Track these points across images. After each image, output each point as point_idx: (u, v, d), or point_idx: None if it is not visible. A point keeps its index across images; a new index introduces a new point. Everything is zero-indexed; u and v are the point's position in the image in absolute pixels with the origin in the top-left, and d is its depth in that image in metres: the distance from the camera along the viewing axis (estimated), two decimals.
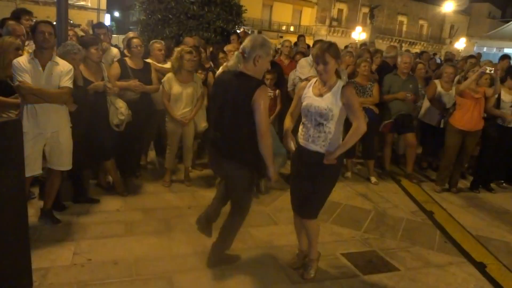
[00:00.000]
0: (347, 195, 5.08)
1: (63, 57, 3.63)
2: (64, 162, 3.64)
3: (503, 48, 18.02)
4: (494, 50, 18.08)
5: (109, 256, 3.27)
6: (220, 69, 4.21)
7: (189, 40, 6.43)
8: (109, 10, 32.66)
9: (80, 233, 3.61)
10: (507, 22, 21.31)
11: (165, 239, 3.63)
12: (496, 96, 5.43)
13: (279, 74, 5.71)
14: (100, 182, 4.67)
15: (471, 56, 8.06)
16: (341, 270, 3.35)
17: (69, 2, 4.94)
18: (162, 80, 4.77)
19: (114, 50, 5.55)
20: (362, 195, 5.16)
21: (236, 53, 2.89)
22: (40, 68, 3.38)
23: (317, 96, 2.88)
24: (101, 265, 3.14)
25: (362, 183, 5.62)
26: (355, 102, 2.83)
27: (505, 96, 5.48)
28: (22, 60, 3.34)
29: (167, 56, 5.39)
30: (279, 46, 8.02)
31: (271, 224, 4.13)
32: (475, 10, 45.39)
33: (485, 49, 18.23)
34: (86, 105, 3.91)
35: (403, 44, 38.48)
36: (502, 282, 3.41)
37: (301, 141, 3.00)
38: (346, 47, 9.46)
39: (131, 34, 5.78)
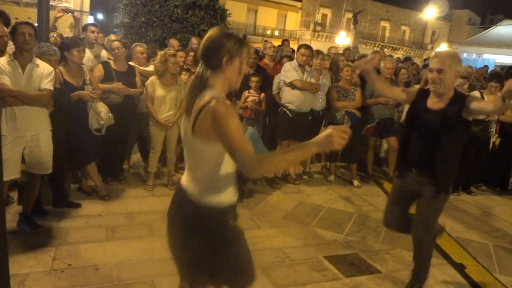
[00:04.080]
0: (330, 199, 5.12)
1: (38, 58, 3.57)
2: (44, 166, 3.58)
3: (483, 53, 18.45)
4: (474, 55, 18.48)
5: (90, 261, 3.22)
6: None
7: (174, 42, 6.41)
8: (92, 12, 32.31)
9: (60, 238, 3.55)
10: (486, 28, 21.83)
11: (148, 244, 3.59)
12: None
13: (264, 78, 5.74)
14: (81, 186, 4.60)
15: None
16: (324, 273, 3.37)
17: (51, 3, 4.87)
18: (146, 83, 4.74)
19: (103, 52, 5.51)
20: (345, 198, 5.20)
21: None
22: (20, 70, 3.32)
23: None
24: (81, 271, 3.09)
25: (345, 186, 5.67)
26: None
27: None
28: (1, 62, 3.29)
29: (150, 59, 5.37)
30: (262, 49, 8.05)
31: (254, 227, 4.13)
32: (456, 16, 46.34)
33: (465, 54, 18.62)
34: (65, 108, 3.85)
35: (386, 49, 39.03)
36: (480, 283, 3.47)
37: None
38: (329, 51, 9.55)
39: (112, 37, 5.74)
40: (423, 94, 2.95)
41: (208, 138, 1.70)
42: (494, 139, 5.44)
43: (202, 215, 1.83)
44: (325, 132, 1.63)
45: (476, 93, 5.66)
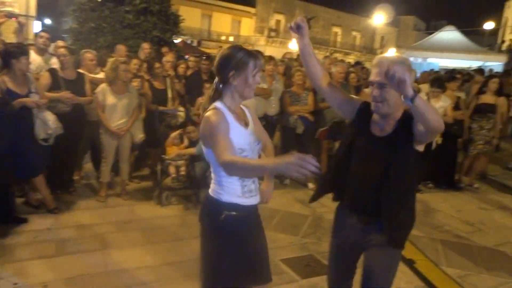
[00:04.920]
0: (285, 202, 5.19)
1: None
2: None
3: (428, 58, 19.36)
4: (420, 60, 19.34)
5: (38, 279, 3.08)
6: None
7: (121, 48, 6.28)
8: (39, 17, 30.97)
9: (6, 256, 3.37)
10: (431, 34, 22.94)
11: (100, 257, 3.49)
12: None
13: None
14: (28, 200, 4.39)
15: None
16: (280, 276, 3.41)
17: None
18: (96, 91, 4.61)
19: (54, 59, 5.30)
20: (300, 201, 5.29)
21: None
22: None
23: None
24: None
25: (300, 189, 5.77)
26: None
27: (434, 103, 5.87)
28: None
29: (100, 66, 5.24)
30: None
31: None
32: (402, 22, 48.45)
33: (411, 58, 19.43)
34: (8, 118, 3.67)
35: (338, 54, 40.13)
36: (429, 276, 3.64)
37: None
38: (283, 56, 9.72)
39: (60, 43, 5.54)
40: (366, 112, 2.16)
41: (205, 142, 1.98)
42: (437, 138, 5.72)
43: (205, 204, 2.15)
44: (287, 158, 1.60)
45: (422, 96, 5.94)
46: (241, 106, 2.14)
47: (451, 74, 8.27)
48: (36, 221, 4.06)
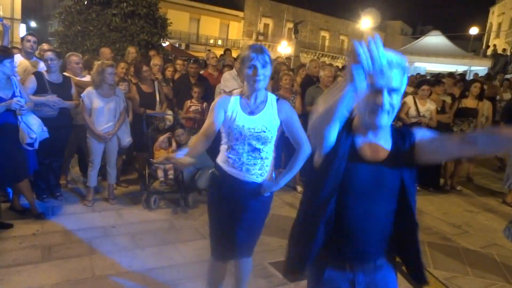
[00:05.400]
0: (274, 205, 5.16)
1: None
2: None
3: (414, 62, 19.63)
4: (406, 64, 19.61)
5: (24, 285, 3.03)
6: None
7: (105, 51, 6.23)
8: (24, 20, 30.59)
9: None
10: (417, 38, 23.28)
11: (87, 262, 3.44)
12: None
13: (206, 87, 5.74)
14: (13, 205, 4.32)
15: None
16: (269, 280, 3.41)
17: None
18: (82, 95, 4.56)
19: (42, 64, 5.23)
20: (289, 204, 5.30)
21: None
22: None
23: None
24: None
25: (289, 192, 5.77)
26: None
27: (420, 106, 5.94)
28: None
29: (86, 69, 5.19)
30: (206, 59, 8.06)
31: (199, 238, 4.09)
32: (389, 27, 49.11)
33: None
34: None
35: (326, 58, 40.41)
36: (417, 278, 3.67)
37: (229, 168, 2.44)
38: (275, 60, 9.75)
39: (45, 46, 5.47)
40: (347, 130, 1.61)
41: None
42: None
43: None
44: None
45: (409, 99, 6.02)
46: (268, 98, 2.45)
47: (437, 78, 8.40)
48: (21, 226, 3.99)
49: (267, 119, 2.39)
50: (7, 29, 5.79)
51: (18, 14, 27.70)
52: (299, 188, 5.82)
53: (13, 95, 3.88)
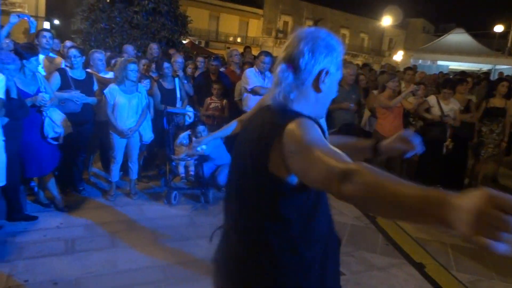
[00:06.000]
0: None
1: None
2: None
3: (437, 60, 19.26)
4: (429, 62, 19.25)
5: (48, 276, 3.09)
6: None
7: (129, 48, 6.30)
8: (48, 17, 31.19)
9: (16, 253, 3.39)
10: (440, 36, 22.83)
11: (109, 255, 3.49)
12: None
13: (227, 85, 5.75)
14: (38, 198, 4.42)
15: (409, 68, 8.56)
16: None
17: (3, 8, 4.68)
18: (105, 91, 4.62)
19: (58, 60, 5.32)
20: None
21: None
22: None
23: None
24: (39, 286, 2.96)
25: None
26: None
27: (444, 105, 5.83)
28: None
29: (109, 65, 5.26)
30: (227, 57, 8.08)
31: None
32: (411, 25, 48.22)
33: (420, 61, 19.35)
34: (21, 119, 3.69)
35: (346, 56, 40.01)
36: (439, 281, 3.60)
37: None
38: None
39: (68, 43, 5.55)
40: None
41: None
42: (448, 142, 5.67)
43: None
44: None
45: (432, 99, 5.90)
46: None
47: (461, 77, 8.20)
48: (45, 219, 4.08)
49: None
50: (34, 25, 5.89)
51: (42, 12, 28.32)
52: None
53: (38, 91, 3.97)
